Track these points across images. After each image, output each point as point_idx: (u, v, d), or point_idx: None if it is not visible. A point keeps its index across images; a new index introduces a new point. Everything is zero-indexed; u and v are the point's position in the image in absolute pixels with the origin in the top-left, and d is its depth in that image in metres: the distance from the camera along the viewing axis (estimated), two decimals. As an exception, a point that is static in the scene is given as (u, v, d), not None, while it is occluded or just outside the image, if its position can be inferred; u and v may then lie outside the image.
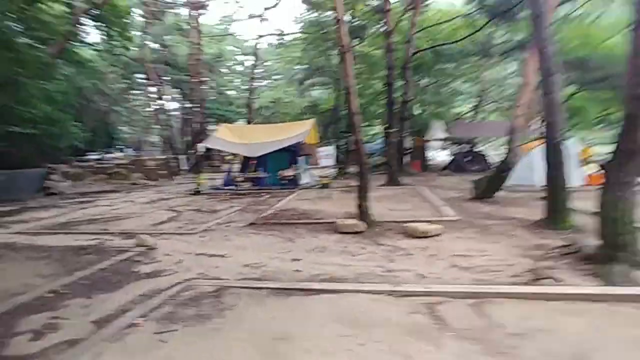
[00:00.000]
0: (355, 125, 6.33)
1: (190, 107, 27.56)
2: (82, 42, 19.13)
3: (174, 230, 6.66)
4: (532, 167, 10.24)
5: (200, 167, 13.18)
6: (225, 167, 14.09)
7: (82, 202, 11.28)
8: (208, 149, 13.13)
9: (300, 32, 21.46)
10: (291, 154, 13.17)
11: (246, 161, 13.96)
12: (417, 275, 3.95)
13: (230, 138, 13.01)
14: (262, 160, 12.83)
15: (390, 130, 12.62)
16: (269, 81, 36.05)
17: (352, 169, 17.00)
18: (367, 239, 5.49)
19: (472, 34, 14.42)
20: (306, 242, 5.48)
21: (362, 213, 6.18)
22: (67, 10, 15.93)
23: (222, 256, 4.91)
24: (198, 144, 13.07)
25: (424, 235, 5.37)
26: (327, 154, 15.25)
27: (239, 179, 13.44)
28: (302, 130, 12.82)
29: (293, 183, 12.60)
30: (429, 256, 4.60)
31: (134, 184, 17.54)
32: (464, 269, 4.07)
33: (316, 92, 31.12)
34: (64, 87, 17.37)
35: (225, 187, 13.02)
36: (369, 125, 26.97)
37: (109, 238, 6.12)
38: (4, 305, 3.33)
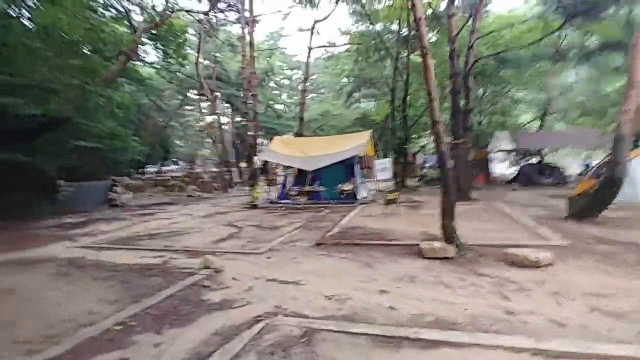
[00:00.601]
0: (438, 135, 5.57)
1: (241, 121, 28.21)
2: (141, 60, 20.07)
3: (238, 249, 6.21)
4: (634, 181, 8.85)
5: (255, 180, 12.92)
6: (279, 180, 13.74)
7: (143, 215, 11.37)
8: (264, 162, 12.88)
9: (351, 44, 21.03)
10: (348, 167, 12.57)
11: (300, 174, 13.57)
12: (550, 321, 3.09)
13: (285, 151, 12.68)
14: (317, 174, 12.35)
15: (458, 141, 11.61)
16: (315, 94, 36.10)
17: (410, 182, 16.09)
18: (461, 267, 4.67)
19: (548, 35, 13.10)
20: (388, 269, 4.76)
21: (449, 235, 5.36)
22: (128, 31, 16.76)
23: (297, 283, 4.32)
24: (254, 157, 12.86)
25: (534, 265, 4.46)
26: (383, 167, 14.47)
27: (293, 193, 13.04)
28: (359, 142, 12.19)
29: (351, 198, 11.95)
30: (552, 294, 3.70)
31: (190, 196, 17.80)
32: (614, 316, 3.14)
33: (365, 104, 30.59)
34: (126, 101, 18.20)
35: (281, 201, 12.66)
36: (418, 137, 25.83)
37: (172, 256, 5.79)
38: (70, 340, 2.94)
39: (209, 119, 38.48)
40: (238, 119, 30.65)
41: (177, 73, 23.51)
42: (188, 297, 3.95)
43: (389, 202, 8.66)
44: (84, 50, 12.86)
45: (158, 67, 22.19)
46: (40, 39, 11.02)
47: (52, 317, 3.44)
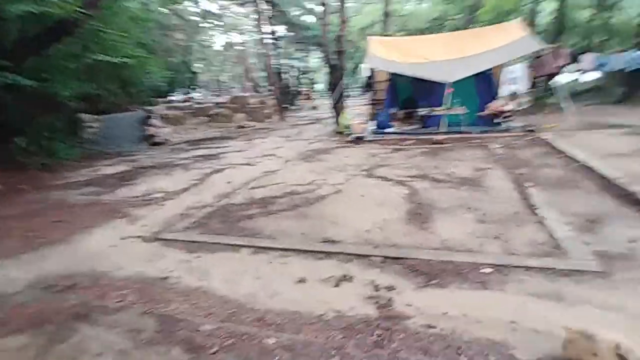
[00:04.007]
0: None
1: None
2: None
3: (502, 253, 2.80)
4: None
5: (341, 103, 9.21)
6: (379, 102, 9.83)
7: (204, 158, 8.01)
8: (370, 75, 8.99)
9: None
10: (484, 79, 8.55)
11: (393, 92, 9.63)
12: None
13: (395, 57, 8.56)
14: (439, 90, 8.21)
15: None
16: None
17: (554, 99, 11.88)
18: None
19: None
20: None
21: None
22: None
23: None
24: (362, 65, 8.95)
25: None
26: (513, 77, 10.33)
27: (400, 117, 9.32)
28: (516, 36, 7.93)
29: (490, 124, 8.18)
30: None
31: (241, 127, 14.34)
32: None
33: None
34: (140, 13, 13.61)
35: (386, 131, 8.98)
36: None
37: (375, 279, 2.45)
38: None
39: (237, 35, 33.23)
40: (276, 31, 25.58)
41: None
42: None
43: None
44: None
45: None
46: None
47: None
